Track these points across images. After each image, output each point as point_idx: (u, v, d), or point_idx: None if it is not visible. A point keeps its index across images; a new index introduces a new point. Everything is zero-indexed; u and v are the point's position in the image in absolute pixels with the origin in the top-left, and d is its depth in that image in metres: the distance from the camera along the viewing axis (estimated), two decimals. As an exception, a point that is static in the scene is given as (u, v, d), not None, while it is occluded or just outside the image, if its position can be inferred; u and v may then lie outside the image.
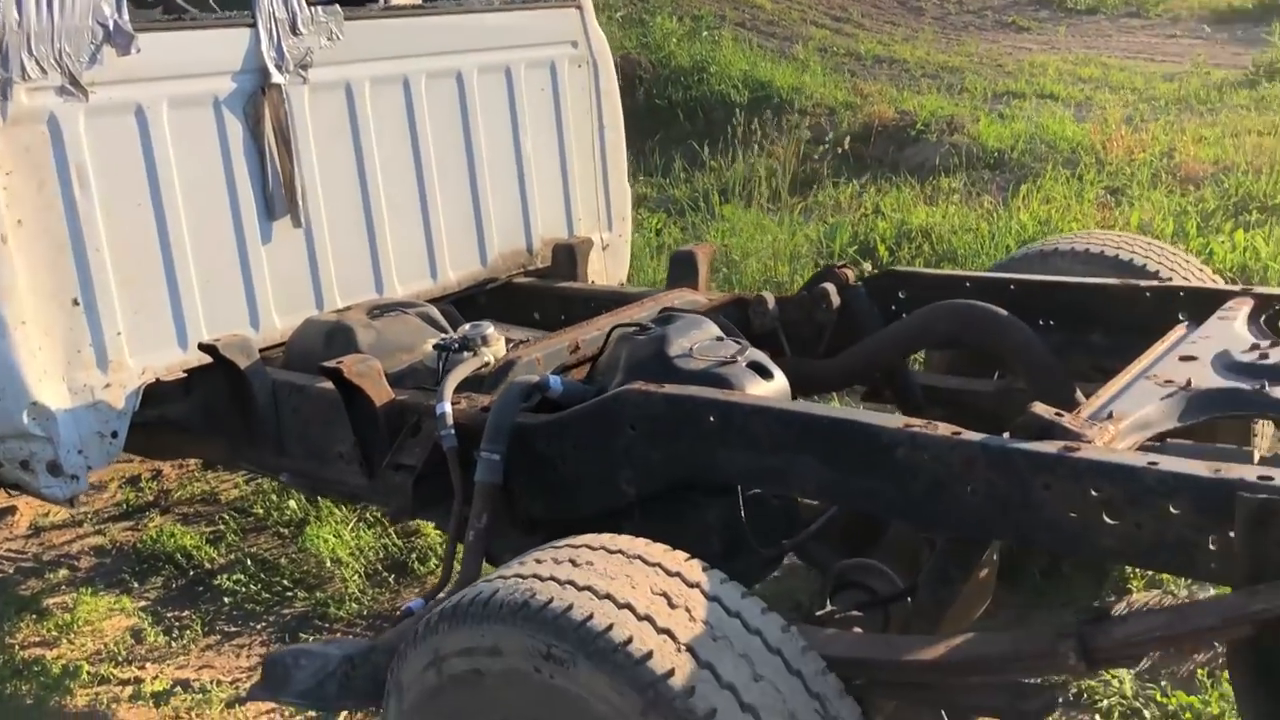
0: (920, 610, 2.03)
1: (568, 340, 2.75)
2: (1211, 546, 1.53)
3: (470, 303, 3.53)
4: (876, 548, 2.33)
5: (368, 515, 3.68)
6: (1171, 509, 1.55)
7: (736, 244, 5.72)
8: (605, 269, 3.95)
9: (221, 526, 3.74)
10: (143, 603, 3.38)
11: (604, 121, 3.90)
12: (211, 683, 2.95)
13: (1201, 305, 2.43)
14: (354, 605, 3.25)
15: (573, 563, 1.66)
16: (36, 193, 2.54)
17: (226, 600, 3.34)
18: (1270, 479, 1.48)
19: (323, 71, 3.06)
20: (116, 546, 3.73)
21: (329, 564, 3.45)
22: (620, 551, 1.68)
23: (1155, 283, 2.59)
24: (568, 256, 3.63)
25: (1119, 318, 2.56)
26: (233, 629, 3.22)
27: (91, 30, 2.59)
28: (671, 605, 1.57)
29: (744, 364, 2.26)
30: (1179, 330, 2.26)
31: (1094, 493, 1.61)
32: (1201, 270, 2.90)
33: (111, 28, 2.62)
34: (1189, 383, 1.92)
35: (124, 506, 4.00)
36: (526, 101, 3.63)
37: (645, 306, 2.95)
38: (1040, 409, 1.77)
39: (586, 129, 3.84)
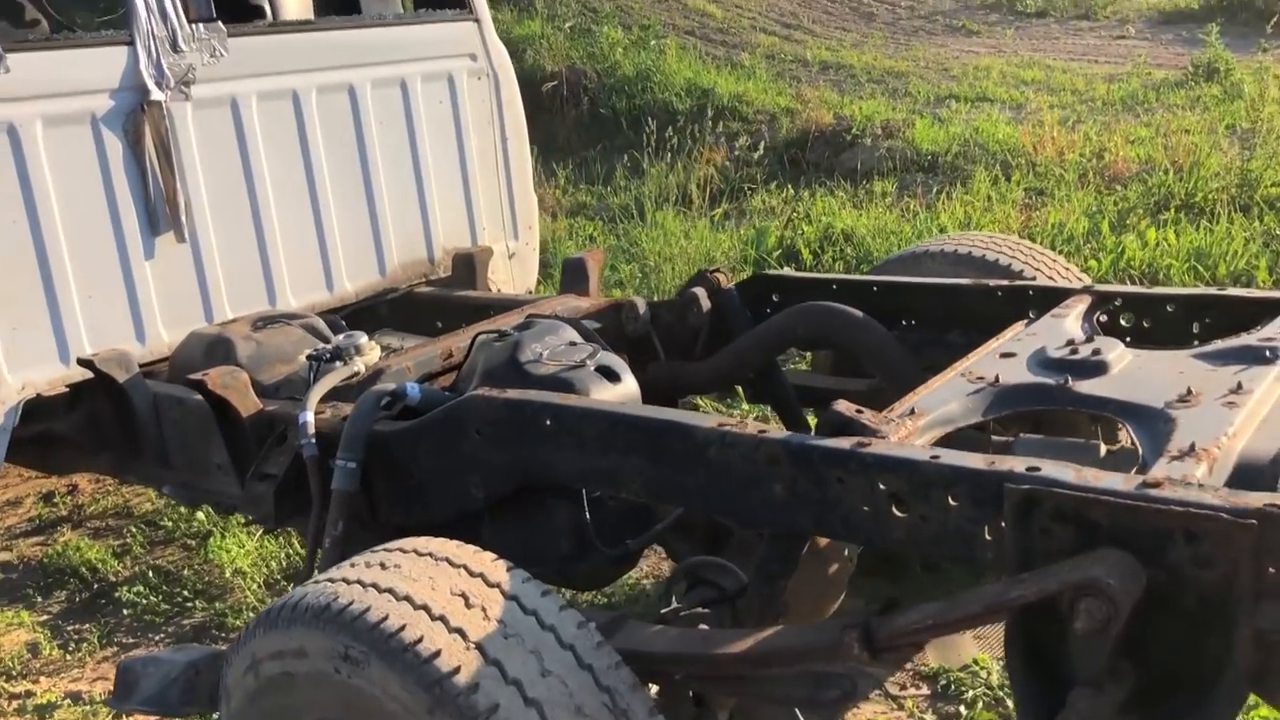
0: (754, 607, 2.07)
1: (441, 348, 2.79)
2: (988, 536, 1.59)
3: (371, 313, 3.56)
4: (729, 544, 2.38)
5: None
6: (951, 500, 1.60)
7: (661, 250, 5.77)
8: (513, 277, 4.00)
9: (129, 540, 3.76)
10: (44, 617, 3.39)
11: (506, 132, 3.95)
12: (103, 694, 2.97)
13: (1050, 303, 2.49)
14: (251, 615, 3.27)
15: (382, 566, 1.70)
16: (-95, 212, 2.57)
17: (126, 613, 3.36)
18: (1037, 469, 1.53)
19: (206, 88, 3.09)
20: (24, 561, 3.74)
21: (230, 575, 3.47)
22: (429, 554, 1.72)
23: (1006, 282, 2.65)
24: (467, 266, 3.67)
25: (974, 317, 2.62)
26: (131, 641, 3.25)
27: (-42, 51, 2.63)
28: (468, 605, 1.61)
29: (592, 368, 2.31)
30: (1016, 328, 2.32)
31: (882, 486, 1.66)
32: (1067, 269, 2.97)
33: (-21, 48, 2.65)
34: (997, 379, 1.98)
35: (36, 521, 4.02)
36: (424, 114, 3.67)
37: (522, 313, 2.99)
38: (842, 406, 1.82)
39: (488, 140, 3.89)
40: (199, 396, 2.64)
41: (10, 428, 2.77)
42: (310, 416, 2.38)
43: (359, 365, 2.66)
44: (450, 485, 2.23)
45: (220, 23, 3.12)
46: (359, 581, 1.66)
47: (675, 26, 11.60)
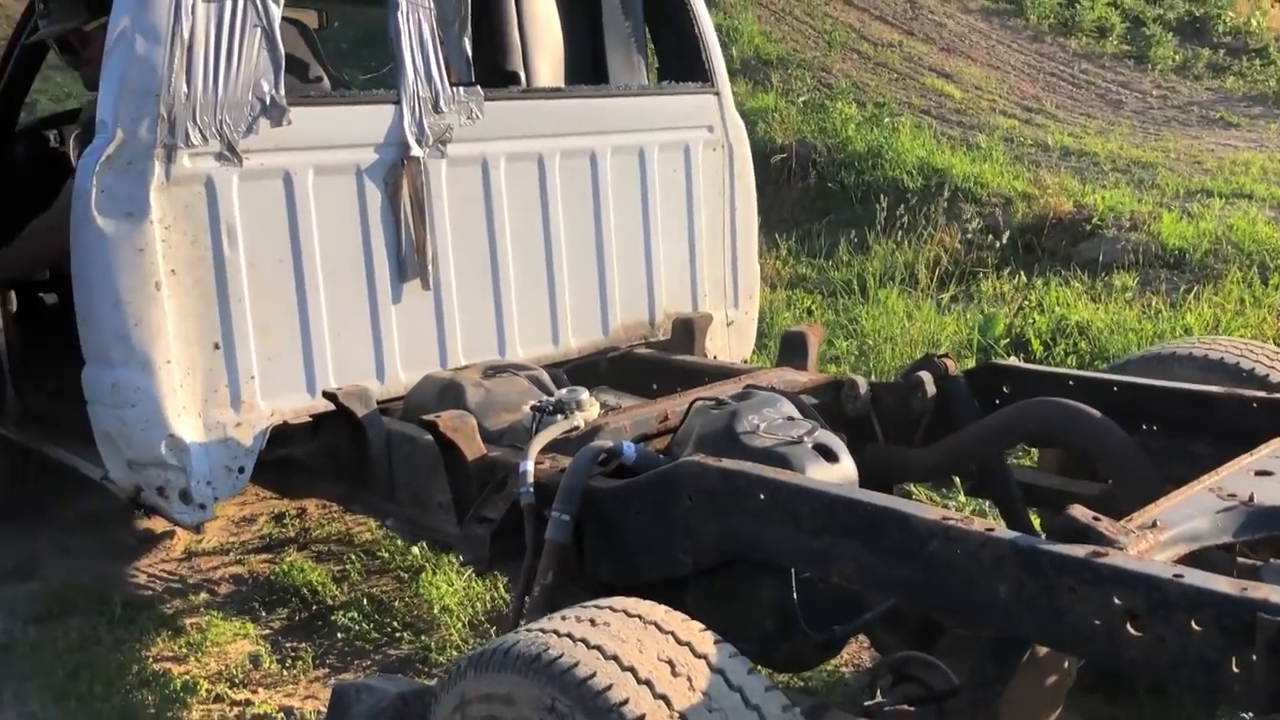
0: (963, 711, 1.98)
1: (658, 410, 2.83)
2: (1235, 669, 1.46)
3: (590, 370, 3.65)
4: (941, 642, 2.29)
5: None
6: (1194, 625, 1.49)
7: (883, 329, 5.68)
8: (730, 345, 4.02)
9: (348, 566, 3.96)
10: (266, 631, 3.60)
11: (736, 203, 4.00)
12: (313, 713, 3.12)
13: (1314, 419, 2.30)
14: (454, 653, 3.38)
15: (592, 622, 1.72)
16: (190, 246, 2.83)
17: (340, 636, 3.52)
18: (1298, 601, 1.41)
19: (461, 147, 3.28)
20: (253, 576, 3.99)
21: (438, 611, 3.59)
22: (638, 616, 1.73)
23: (1263, 393, 2.46)
24: (686, 331, 3.72)
25: (1225, 428, 2.45)
26: (340, 664, 3.40)
27: (250, 103, 2.88)
28: (674, 672, 1.61)
29: (809, 445, 2.28)
30: (1274, 444, 2.15)
31: (1117, 601, 1.56)
32: (1335, 384, 2.73)
33: (268, 101, 2.90)
34: (1251, 497, 1.83)
35: (267, 539, 4.29)
36: (658, 181, 3.77)
37: (740, 382, 3.00)
38: (1078, 511, 1.73)
39: (718, 209, 3.95)
40: (429, 436, 2.77)
41: (258, 450, 2.98)
42: (530, 466, 2.45)
43: (579, 420, 2.73)
44: (658, 548, 2.25)
45: (479, 87, 3.31)
46: (569, 635, 1.68)
47: (911, 105, 11.49)
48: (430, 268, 3.24)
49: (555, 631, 1.71)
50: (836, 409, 2.83)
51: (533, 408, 2.81)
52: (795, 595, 2.17)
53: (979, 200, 8.50)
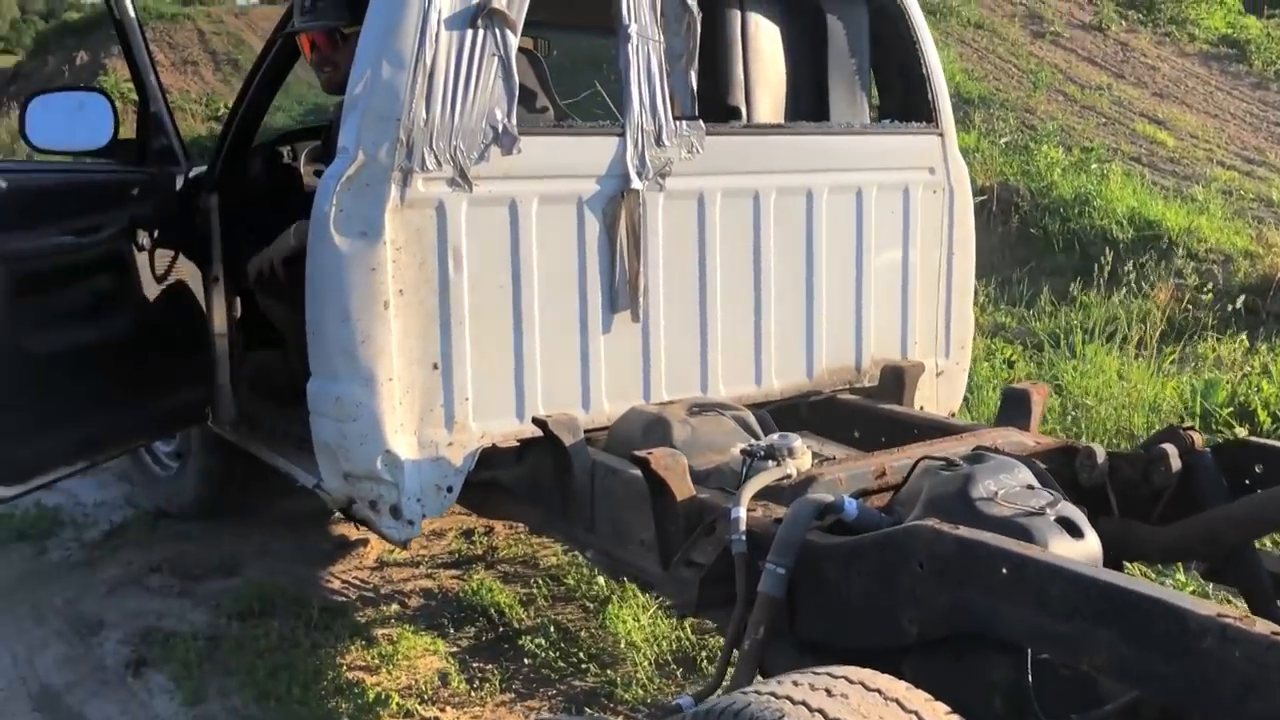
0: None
1: (874, 465, 2.71)
2: None
3: (792, 413, 3.56)
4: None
5: (667, 605, 3.77)
6: None
7: (1091, 388, 5.38)
8: (937, 396, 3.87)
9: (534, 590, 3.97)
10: (454, 649, 3.64)
11: (954, 248, 3.85)
12: (498, 737, 3.12)
13: None
14: (640, 690, 3.33)
15: (828, 692, 1.64)
16: (418, 268, 2.88)
17: (526, 661, 3.53)
18: None
19: (679, 181, 3.25)
20: (442, 592, 4.05)
21: (624, 645, 3.55)
22: (878, 691, 1.64)
23: None
24: (896, 379, 3.59)
25: None
26: (527, 690, 3.39)
27: (484, 131, 2.92)
28: (917, 757, 1.50)
29: (1052, 518, 2.13)
30: None
31: None
32: None
33: (500, 130, 2.94)
34: None
35: (456, 556, 4.35)
36: (874, 223, 3.66)
37: (964, 441, 2.86)
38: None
39: (934, 254, 3.81)
40: (635, 471, 2.73)
41: (467, 471, 3.01)
42: (743, 513, 2.38)
43: (791, 468, 2.64)
44: (881, 614, 2.14)
45: (701, 121, 3.28)
46: (805, 704, 1.60)
47: (1120, 152, 10.99)
48: (641, 300, 3.22)
49: (789, 698, 1.63)
50: (1068, 477, 2.65)
51: (743, 451, 2.74)
52: (1030, 678, 2.02)
53: (1195, 256, 8.03)
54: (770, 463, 2.66)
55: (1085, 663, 1.81)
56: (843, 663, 2.07)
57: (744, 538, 2.34)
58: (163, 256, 3.81)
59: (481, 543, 4.45)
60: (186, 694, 3.37)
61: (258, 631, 3.71)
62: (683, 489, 2.59)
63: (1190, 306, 6.93)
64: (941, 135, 3.78)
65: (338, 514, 4.64)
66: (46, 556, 4.45)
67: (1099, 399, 5.23)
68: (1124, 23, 16.13)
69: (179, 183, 3.90)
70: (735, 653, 2.28)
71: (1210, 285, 7.19)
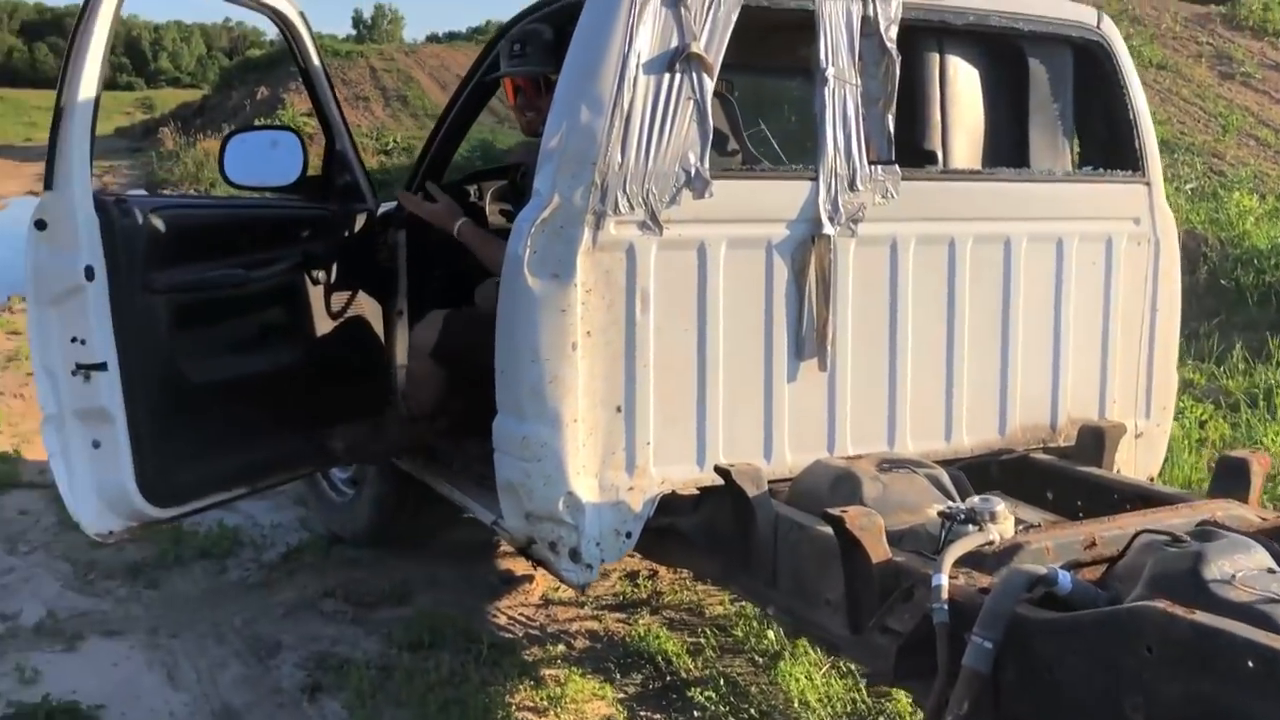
0: None
1: (1084, 534, 2.55)
2: None
3: (980, 471, 3.40)
4: None
5: (841, 664, 3.64)
6: None
7: (1298, 455, 5.01)
8: (1135, 459, 3.64)
9: (702, 639, 3.89)
10: (621, 695, 3.58)
11: (1157, 303, 3.64)
12: (666, 793, 3.05)
13: None
14: (811, 754, 3.21)
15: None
16: (606, 310, 2.87)
17: (696, 714, 3.44)
18: None
19: (872, 226, 3.16)
20: (608, 635, 4.01)
21: (797, 705, 3.44)
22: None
23: None
24: (1095, 440, 3.39)
25: None
26: (694, 744, 3.32)
27: (676, 175, 2.90)
28: None
29: (1298, 607, 1.95)
30: None
31: None
32: None
33: (693, 173, 2.91)
34: None
35: (620, 598, 4.31)
36: (1074, 274, 3.49)
37: (1180, 513, 2.66)
38: None
39: (1136, 309, 3.61)
40: (824, 528, 2.64)
41: (646, 517, 2.96)
42: (945, 580, 2.26)
43: (994, 534, 2.51)
44: (1100, 699, 1.99)
45: (897, 166, 3.18)
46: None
47: (1318, 199, 10.31)
48: (829, 349, 3.13)
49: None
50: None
51: (941, 513, 2.62)
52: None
53: None
54: (971, 527, 2.53)
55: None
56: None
57: (946, 607, 2.22)
58: (339, 290, 3.91)
59: (646, 586, 4.40)
60: (359, 722, 3.41)
61: (428, 664, 3.73)
62: (878, 551, 2.49)
63: None
64: (1148, 184, 3.58)
65: (504, 547, 4.69)
66: (226, 575, 4.60)
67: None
68: (1322, 63, 15.24)
69: (361, 219, 4.01)
70: (933, 728, 2.16)
71: None
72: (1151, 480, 3.67)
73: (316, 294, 3.85)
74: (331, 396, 3.87)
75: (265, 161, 4.02)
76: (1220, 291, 8.17)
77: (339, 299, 3.94)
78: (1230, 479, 2.94)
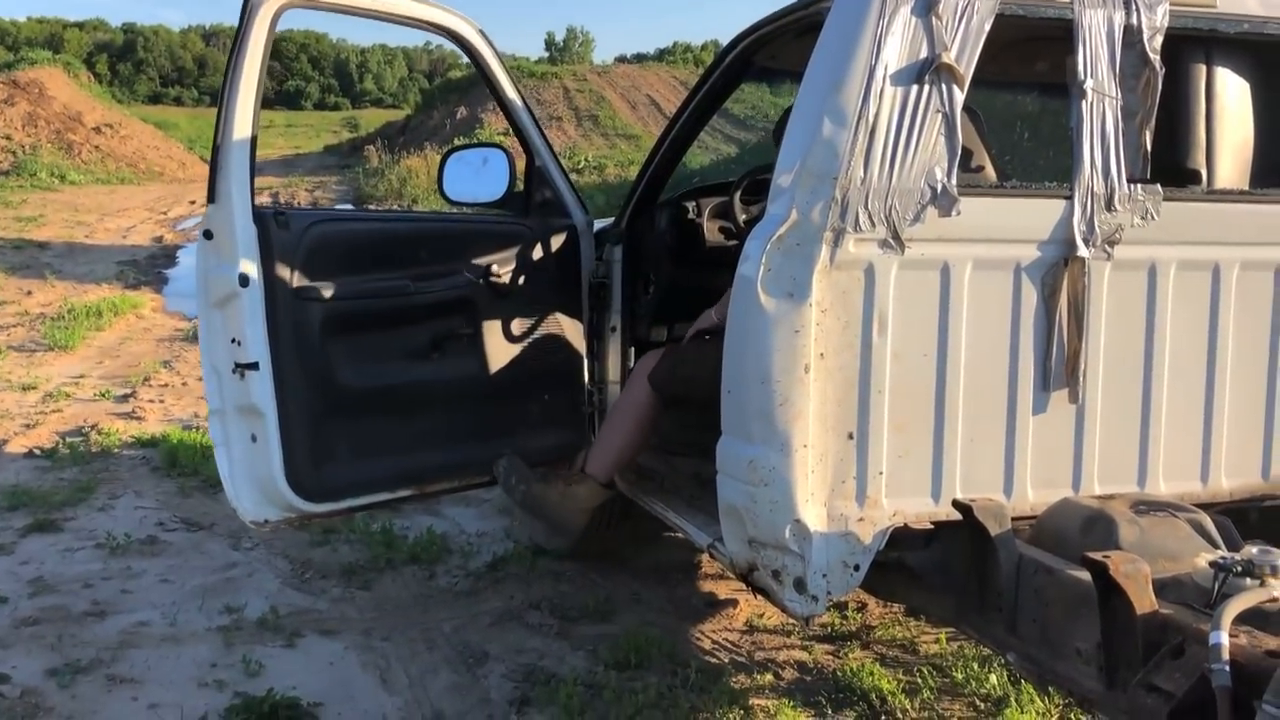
0: None
1: (1387, 596, 2.27)
2: None
3: (1240, 518, 3.11)
4: None
5: (1072, 716, 3.40)
6: None
7: None
8: None
9: (918, 679, 3.71)
10: (833, 732, 3.45)
11: None
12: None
13: None
14: (1043, 812, 3.00)
15: None
16: (841, 332, 2.75)
17: (913, 758, 3.28)
18: None
19: (1129, 249, 2.94)
20: (817, 667, 3.88)
21: (1022, 755, 3.23)
22: None
23: None
24: (1376, 489, 3.06)
25: None
26: (912, 791, 3.15)
27: (921, 191, 2.76)
28: None
29: None
30: None
31: None
32: None
33: (939, 190, 2.77)
34: None
35: (828, 629, 4.17)
36: (1352, 304, 3.16)
37: None
38: None
39: None
40: (1077, 572, 2.45)
41: (876, 550, 2.83)
42: (1225, 638, 2.05)
43: (1277, 590, 2.27)
44: None
45: (1158, 185, 2.95)
46: None
47: None
48: (1080, 379, 2.93)
49: None
50: None
51: (1213, 564, 2.39)
52: None
53: None
54: (1249, 580, 2.30)
55: None
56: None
57: (1228, 668, 2.01)
58: (530, 304, 3.92)
59: (855, 619, 4.25)
60: (568, 740, 3.39)
61: (635, 684, 3.69)
62: (1144, 601, 2.28)
63: None
64: None
65: (705, 569, 4.62)
66: (435, 581, 4.69)
67: None
68: None
69: (561, 236, 4.00)
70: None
71: None
72: None
73: (501, 307, 3.87)
74: (513, 409, 3.88)
75: (477, 178, 4.11)
76: None
77: (530, 313, 3.95)
78: None
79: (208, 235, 3.40)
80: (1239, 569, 2.33)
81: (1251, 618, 2.21)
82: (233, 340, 3.36)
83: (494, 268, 3.86)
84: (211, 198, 3.38)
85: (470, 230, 4.04)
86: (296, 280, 3.45)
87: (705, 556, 4.37)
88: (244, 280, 3.32)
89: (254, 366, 3.34)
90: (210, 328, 3.43)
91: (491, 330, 3.90)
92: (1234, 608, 2.15)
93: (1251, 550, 2.38)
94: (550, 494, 3.80)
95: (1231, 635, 2.09)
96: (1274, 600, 2.26)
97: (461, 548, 5.01)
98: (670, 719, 3.46)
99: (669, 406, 3.69)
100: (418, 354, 3.77)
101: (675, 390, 3.62)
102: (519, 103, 4.03)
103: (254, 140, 3.36)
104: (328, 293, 3.51)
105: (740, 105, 29.89)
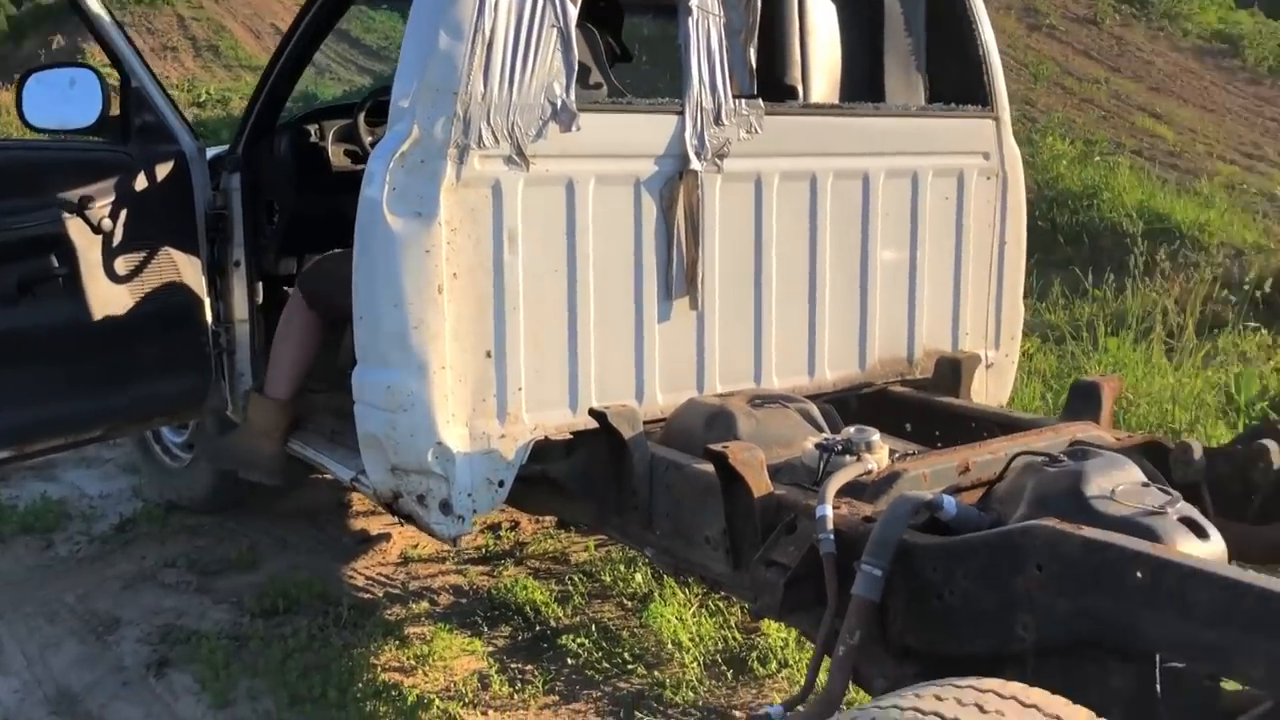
0: None
1: (957, 460, 2.60)
2: None
3: (841, 405, 3.44)
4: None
5: (710, 603, 3.65)
6: None
7: (1125, 382, 5.29)
8: (987, 388, 3.75)
9: (569, 587, 3.83)
10: (491, 648, 3.50)
11: (1006, 237, 3.74)
12: (545, 743, 2.99)
13: None
14: (689, 693, 3.20)
15: (979, 708, 1.51)
16: (473, 250, 2.73)
17: (569, 662, 3.39)
18: None
19: (737, 162, 3.12)
20: (473, 588, 3.91)
21: (669, 645, 3.43)
22: (1035, 706, 1.51)
23: None
24: (952, 371, 3.47)
25: None
26: (570, 692, 3.26)
27: (542, 107, 2.78)
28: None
29: (1175, 517, 2.02)
30: None
31: None
32: None
33: (559, 105, 2.79)
34: None
35: (482, 551, 4.20)
36: (928, 209, 3.54)
37: (1045, 436, 2.74)
38: None
39: (986, 242, 3.70)
40: (701, 466, 2.61)
41: (519, 465, 2.86)
42: (829, 510, 2.26)
43: (872, 463, 2.52)
44: (989, 619, 2.01)
45: (761, 100, 3.14)
46: (957, 721, 1.47)
47: (1121, 145, 10.93)
48: (698, 287, 3.09)
49: (938, 714, 1.50)
50: (1162, 474, 2.54)
51: (818, 445, 2.62)
52: (1159, 688, 1.91)
53: (1206, 249, 7.96)
54: (848, 457, 2.54)
55: (1235, 673, 1.70)
56: (940, 669, 1.96)
57: (833, 537, 2.22)
58: (136, 240, 3.57)
59: (509, 537, 4.31)
60: (214, 696, 3.22)
61: (284, 630, 3.56)
62: (760, 485, 2.47)
63: (1207, 300, 6.86)
64: (997, 119, 3.66)
65: (357, 506, 4.51)
66: (54, 550, 4.28)
67: (1136, 394, 5.14)
68: (1118, 16, 16.11)
69: (169, 163, 3.66)
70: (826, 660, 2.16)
71: (1226, 280, 7.12)
72: (1002, 407, 3.79)
73: (102, 244, 3.46)
74: (125, 356, 3.53)
75: (65, 101, 3.63)
76: (1038, 232, 8.52)
77: (136, 249, 3.58)
78: (1082, 403, 3.05)
79: None
80: (840, 448, 2.57)
81: (851, 490, 2.44)
82: None
83: (90, 200, 3.46)
84: None
85: (57, 159, 3.59)
86: None
87: (355, 494, 4.27)
88: None
89: None
90: None
91: (93, 270, 3.47)
92: (835, 482, 2.37)
93: (850, 431, 2.63)
94: (233, 436, 3.57)
95: (835, 508, 2.30)
96: (869, 473, 2.51)
97: (83, 512, 4.59)
98: (322, 659, 3.37)
99: (324, 315, 3.54)
100: (3, 299, 3.33)
101: (323, 287, 3.48)
102: (105, 17, 3.62)
103: None
104: None
105: (374, 35, 28.82)
